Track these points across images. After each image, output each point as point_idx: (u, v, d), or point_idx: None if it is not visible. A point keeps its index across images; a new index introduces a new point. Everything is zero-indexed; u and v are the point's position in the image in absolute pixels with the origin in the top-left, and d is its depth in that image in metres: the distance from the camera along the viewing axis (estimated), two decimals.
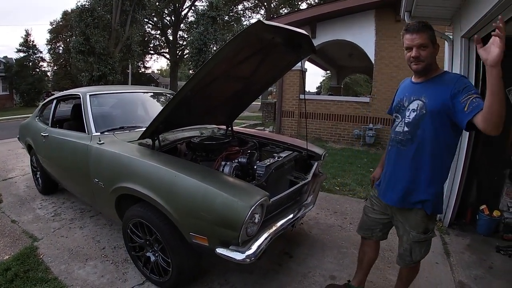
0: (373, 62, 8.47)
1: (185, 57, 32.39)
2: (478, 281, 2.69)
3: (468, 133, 3.42)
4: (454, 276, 2.75)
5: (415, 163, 1.86)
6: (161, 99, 4.22)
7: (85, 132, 3.11)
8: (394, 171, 2.00)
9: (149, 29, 34.63)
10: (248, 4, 33.35)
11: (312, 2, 28.88)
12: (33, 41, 29.96)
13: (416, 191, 1.88)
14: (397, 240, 3.32)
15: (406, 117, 1.91)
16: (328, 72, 26.02)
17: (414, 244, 1.99)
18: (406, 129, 1.90)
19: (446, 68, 4.34)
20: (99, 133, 3.02)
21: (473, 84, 3.34)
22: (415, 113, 1.86)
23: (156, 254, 2.47)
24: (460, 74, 1.84)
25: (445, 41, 4.13)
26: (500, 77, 1.42)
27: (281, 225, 2.34)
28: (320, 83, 50.43)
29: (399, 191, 1.94)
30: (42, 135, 3.91)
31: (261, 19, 1.86)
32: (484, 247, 3.26)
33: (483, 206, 3.52)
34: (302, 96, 9.56)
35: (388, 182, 2.03)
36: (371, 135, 8.33)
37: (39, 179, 4.59)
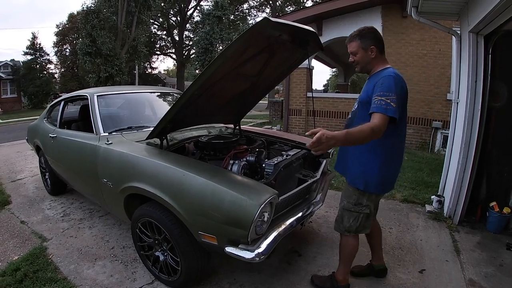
0: None
1: (191, 57, 32.48)
2: (489, 279, 2.66)
3: (477, 130, 3.40)
4: (464, 274, 2.72)
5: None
6: (168, 99, 4.23)
7: (93, 132, 3.12)
8: (340, 149, 2.40)
9: (155, 30, 34.78)
10: (254, 2, 33.38)
11: (318, 0, 28.80)
12: (39, 44, 30.14)
13: (346, 164, 2.30)
14: (406, 239, 3.33)
15: (353, 107, 2.33)
16: (335, 69, 25.92)
17: (344, 212, 2.31)
18: (350, 116, 2.34)
19: (453, 64, 4.31)
20: (107, 133, 3.03)
21: (482, 78, 3.33)
22: (357, 104, 2.26)
23: (165, 254, 2.47)
24: (387, 73, 2.02)
25: (453, 36, 4.09)
26: (342, 141, 1.74)
27: (290, 223, 2.34)
28: (327, 80, 50.35)
29: (344, 164, 2.35)
30: (50, 136, 3.93)
31: (268, 16, 1.87)
32: (495, 245, 3.22)
33: (493, 203, 3.48)
34: (309, 94, 9.51)
35: (338, 157, 2.45)
36: None
37: (48, 180, 4.62)
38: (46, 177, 4.66)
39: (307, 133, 1.73)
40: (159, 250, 2.53)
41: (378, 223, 2.67)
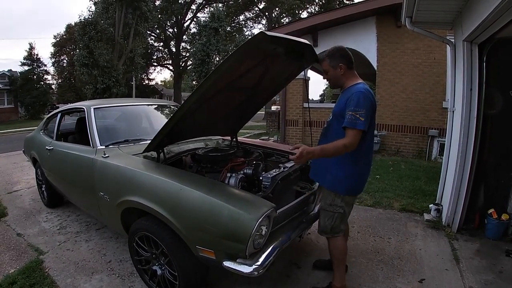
0: (375, 68, 8.45)
1: (188, 68, 32.49)
2: (489, 286, 2.66)
3: (473, 137, 3.41)
4: (464, 282, 2.72)
5: None
6: (165, 111, 4.23)
7: (89, 145, 3.12)
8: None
9: (152, 41, 34.96)
10: (250, 14, 33.65)
11: (313, 11, 29.05)
12: (37, 55, 30.21)
13: (320, 170, 2.47)
14: (405, 249, 3.31)
15: (329, 117, 2.47)
16: None
17: (321, 212, 2.50)
18: (325, 126, 2.51)
19: (448, 72, 4.34)
20: (103, 147, 3.03)
21: (477, 86, 3.37)
22: (331, 115, 2.42)
23: (163, 268, 2.45)
24: (358, 89, 2.21)
25: (447, 45, 4.13)
26: (318, 155, 2.14)
27: (289, 236, 2.33)
28: (323, 90, 50.53)
29: (316, 171, 2.55)
30: (47, 149, 3.92)
31: (263, 29, 1.91)
32: (494, 252, 3.21)
33: (491, 210, 3.48)
34: (306, 105, 9.52)
35: (313, 165, 2.62)
36: (376, 141, 8.21)
37: (44, 192, 4.59)
38: (43, 189, 4.63)
39: (290, 148, 2.22)
40: (156, 264, 2.51)
41: (348, 225, 2.94)
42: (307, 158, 2.14)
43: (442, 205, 3.99)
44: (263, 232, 2.02)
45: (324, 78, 2.48)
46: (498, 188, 3.63)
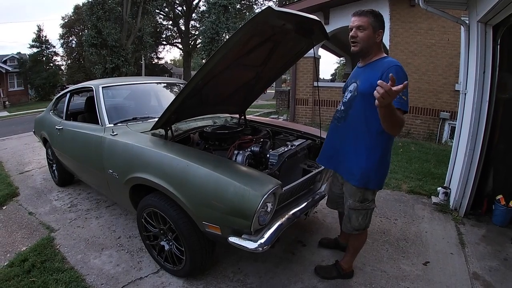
0: (387, 48, 8.27)
1: (197, 46, 32.26)
2: (493, 273, 2.64)
3: (485, 122, 3.35)
4: (468, 267, 2.71)
5: (345, 138, 2.11)
6: (174, 89, 4.22)
7: (98, 124, 3.14)
8: (330, 144, 2.29)
9: (161, 20, 34.71)
10: None
11: None
12: (45, 36, 30.14)
13: (344, 163, 2.18)
14: (411, 231, 3.31)
15: (344, 97, 2.19)
16: (342, 59, 25.64)
17: (350, 211, 2.23)
18: (342, 108, 2.18)
19: (462, 54, 4.23)
20: (112, 125, 3.04)
21: (490, 69, 3.28)
22: (350, 94, 2.12)
23: (170, 243, 2.50)
24: (394, 63, 1.93)
25: (461, 26, 4.02)
26: (388, 115, 1.71)
27: (294, 214, 2.33)
28: (335, 70, 49.96)
29: (334, 161, 2.26)
30: (56, 128, 3.96)
31: (272, 5, 1.83)
32: (500, 238, 3.18)
33: (499, 196, 3.44)
34: (316, 84, 9.46)
35: (326, 151, 2.35)
36: None
37: (55, 171, 4.66)
38: (54, 168, 4.70)
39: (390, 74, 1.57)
40: (164, 239, 2.56)
41: None
42: (388, 101, 1.60)
43: (450, 189, 3.96)
44: (269, 209, 2.03)
45: (351, 39, 2.06)
46: (508, 174, 3.59)
